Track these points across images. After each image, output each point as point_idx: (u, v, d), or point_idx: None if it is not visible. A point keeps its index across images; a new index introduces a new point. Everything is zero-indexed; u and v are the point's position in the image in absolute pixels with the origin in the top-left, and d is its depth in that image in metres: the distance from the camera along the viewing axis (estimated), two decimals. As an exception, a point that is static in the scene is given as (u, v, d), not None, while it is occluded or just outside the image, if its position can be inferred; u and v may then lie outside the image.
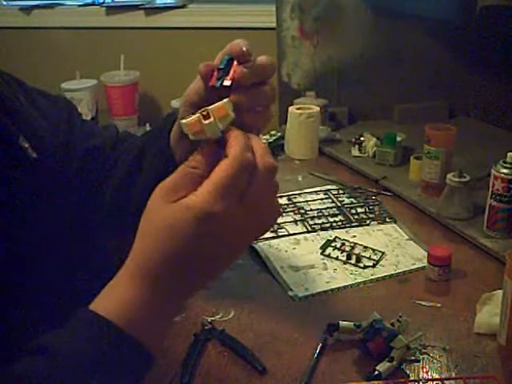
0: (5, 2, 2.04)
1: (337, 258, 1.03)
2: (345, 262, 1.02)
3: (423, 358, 0.78)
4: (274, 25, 1.65)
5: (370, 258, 1.02)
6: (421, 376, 0.75)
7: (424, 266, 0.98)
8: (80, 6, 1.96)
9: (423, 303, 0.90)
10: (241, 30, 1.82)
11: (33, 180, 0.65)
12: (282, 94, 1.68)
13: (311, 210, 1.21)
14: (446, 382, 0.73)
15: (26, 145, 0.64)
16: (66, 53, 1.93)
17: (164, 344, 0.53)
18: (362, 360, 0.78)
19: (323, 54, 1.67)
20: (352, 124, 1.69)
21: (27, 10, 1.96)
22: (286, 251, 1.06)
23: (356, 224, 1.15)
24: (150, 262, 0.49)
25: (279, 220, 1.15)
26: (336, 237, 1.10)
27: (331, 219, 1.17)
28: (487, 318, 0.82)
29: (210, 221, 0.48)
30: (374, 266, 1.00)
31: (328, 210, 1.21)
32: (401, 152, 1.40)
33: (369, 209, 1.21)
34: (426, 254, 0.99)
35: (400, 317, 0.81)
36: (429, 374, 0.75)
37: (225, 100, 0.52)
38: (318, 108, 1.50)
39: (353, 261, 1.02)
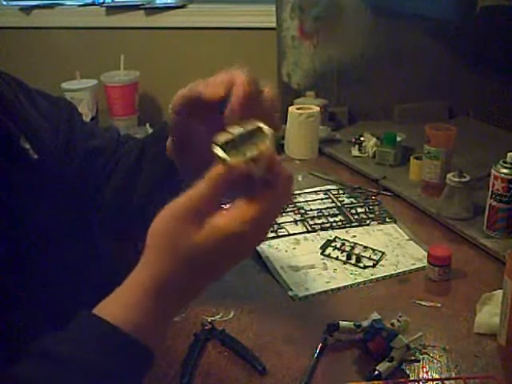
0: (5, 2, 2.04)
1: (337, 258, 1.03)
2: (345, 262, 1.02)
3: (423, 358, 0.78)
4: (274, 25, 1.65)
5: (370, 258, 1.02)
6: (421, 376, 0.75)
7: (424, 266, 0.98)
8: (80, 5, 1.96)
9: (423, 303, 0.90)
10: (241, 30, 1.82)
11: (34, 181, 0.65)
12: (282, 94, 1.68)
13: (311, 210, 1.21)
14: (445, 382, 0.73)
15: (27, 146, 0.65)
16: (66, 53, 1.93)
17: (164, 344, 0.53)
18: (362, 360, 0.78)
19: (323, 54, 1.67)
20: (352, 124, 1.69)
21: (27, 9, 1.96)
22: (286, 251, 1.06)
23: (356, 224, 1.15)
24: (169, 283, 0.49)
25: (279, 220, 1.15)
26: (336, 237, 1.10)
27: (331, 219, 1.17)
28: (487, 318, 0.82)
29: (240, 243, 0.49)
30: (374, 265, 1.00)
31: (328, 209, 1.21)
32: (401, 152, 1.40)
33: (369, 209, 1.21)
34: (425, 254, 0.99)
35: (400, 317, 0.81)
36: (429, 374, 0.75)
37: (269, 137, 0.48)
38: (318, 108, 1.50)
39: (353, 261, 1.02)
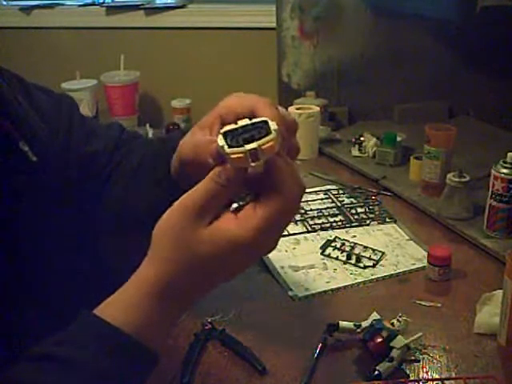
0: (5, 2, 2.04)
1: (337, 258, 1.03)
2: (345, 262, 1.02)
3: (423, 358, 0.78)
4: (274, 25, 1.65)
5: (370, 258, 1.02)
6: (421, 376, 0.75)
7: (424, 266, 0.98)
8: (80, 6, 1.96)
9: (423, 303, 0.90)
10: (241, 30, 1.82)
11: (33, 184, 0.65)
12: (282, 94, 1.68)
13: (311, 209, 1.21)
14: (445, 382, 0.73)
15: (26, 148, 0.64)
16: (66, 53, 1.93)
17: (165, 344, 0.53)
18: (362, 360, 0.78)
19: (323, 54, 1.67)
20: (352, 124, 1.69)
21: (27, 9, 1.96)
22: (286, 251, 1.06)
23: (356, 224, 1.15)
24: (173, 283, 0.49)
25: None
26: (336, 237, 1.10)
27: (331, 219, 1.17)
28: (487, 318, 0.82)
29: (247, 250, 0.48)
30: (374, 265, 1.00)
31: (328, 209, 1.21)
32: (401, 152, 1.40)
33: (369, 209, 1.21)
34: (425, 254, 0.99)
35: (400, 317, 0.81)
36: (429, 374, 0.75)
37: (273, 134, 0.46)
38: (318, 108, 1.49)
39: (353, 261, 1.02)
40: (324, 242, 1.08)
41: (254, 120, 0.48)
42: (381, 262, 1.02)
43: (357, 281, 0.96)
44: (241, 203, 0.50)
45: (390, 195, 1.27)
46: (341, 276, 0.98)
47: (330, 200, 1.26)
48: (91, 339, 0.48)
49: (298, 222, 1.16)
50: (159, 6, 1.90)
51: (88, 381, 0.46)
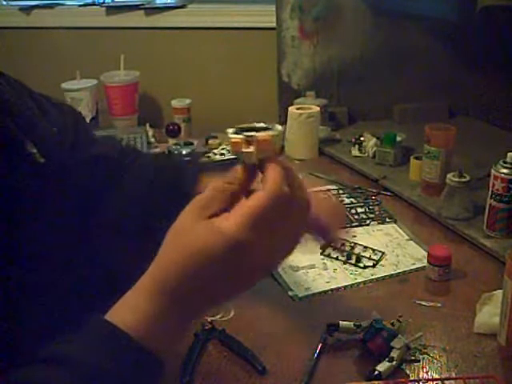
0: (5, 2, 2.04)
1: (337, 258, 1.03)
2: (345, 262, 1.02)
3: (423, 358, 0.78)
4: (274, 25, 1.65)
5: (369, 258, 1.02)
6: (421, 376, 0.75)
7: (424, 266, 0.98)
8: (80, 6, 1.96)
9: (423, 303, 0.90)
10: (241, 30, 1.82)
11: (40, 185, 0.65)
12: (282, 94, 1.68)
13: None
14: (445, 382, 0.73)
15: (34, 150, 0.65)
16: (66, 53, 1.93)
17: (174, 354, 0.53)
18: (362, 360, 0.78)
19: (323, 54, 1.67)
20: (352, 124, 1.69)
21: (27, 9, 1.96)
22: (286, 251, 1.06)
23: (356, 224, 1.15)
24: (171, 279, 0.49)
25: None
26: (336, 237, 1.10)
27: (331, 219, 1.17)
28: (487, 318, 0.82)
29: (239, 249, 0.48)
30: (374, 265, 1.00)
31: (328, 209, 1.21)
32: (401, 152, 1.40)
33: (369, 209, 1.21)
34: (425, 254, 0.99)
35: (400, 317, 0.81)
36: (429, 374, 0.75)
37: (273, 132, 0.51)
38: (318, 108, 1.50)
39: (353, 261, 1.02)
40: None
41: (267, 125, 0.52)
42: (381, 262, 1.02)
43: (357, 281, 0.96)
44: None
45: (390, 195, 1.27)
46: (341, 276, 0.98)
47: (329, 200, 1.26)
48: (100, 343, 0.48)
49: (298, 222, 1.16)
50: (159, 6, 1.90)
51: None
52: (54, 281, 0.65)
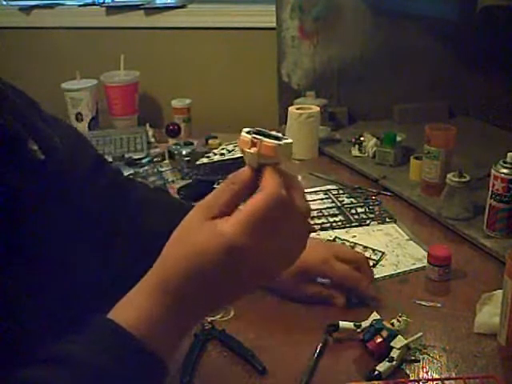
0: (5, 2, 2.04)
1: (337, 258, 1.03)
2: (345, 262, 1.02)
3: (423, 358, 0.78)
4: (274, 25, 1.65)
5: (370, 258, 1.02)
6: (421, 376, 0.75)
7: (424, 266, 0.98)
8: (80, 6, 1.95)
9: (423, 303, 0.90)
10: (241, 30, 1.82)
11: (41, 182, 0.65)
12: (282, 94, 1.68)
13: (311, 209, 1.21)
14: (445, 382, 0.73)
15: (35, 147, 0.65)
16: (65, 53, 1.93)
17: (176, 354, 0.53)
18: (362, 360, 0.78)
19: (323, 54, 1.67)
20: (352, 124, 1.69)
21: (27, 9, 1.96)
22: (286, 251, 1.06)
23: (356, 224, 1.15)
24: (174, 278, 0.49)
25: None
26: (336, 237, 1.10)
27: (331, 219, 1.17)
28: (487, 318, 0.82)
29: (237, 252, 0.48)
30: (374, 266, 1.00)
31: (328, 209, 1.21)
32: (401, 152, 1.40)
33: (369, 209, 1.21)
34: (425, 254, 0.99)
35: (400, 317, 0.81)
36: (429, 373, 0.75)
37: (279, 142, 0.51)
38: (318, 108, 1.50)
39: (353, 261, 1.02)
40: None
41: (282, 136, 0.53)
42: (381, 262, 1.02)
43: (357, 281, 0.96)
44: None
45: (389, 195, 1.27)
46: (341, 276, 0.98)
47: (330, 200, 1.26)
48: (102, 343, 0.48)
49: (298, 222, 1.16)
50: (159, 6, 1.90)
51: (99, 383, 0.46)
52: (55, 279, 0.65)
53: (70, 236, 0.69)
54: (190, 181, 1.37)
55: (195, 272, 0.49)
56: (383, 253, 1.04)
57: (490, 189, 1.02)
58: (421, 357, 0.78)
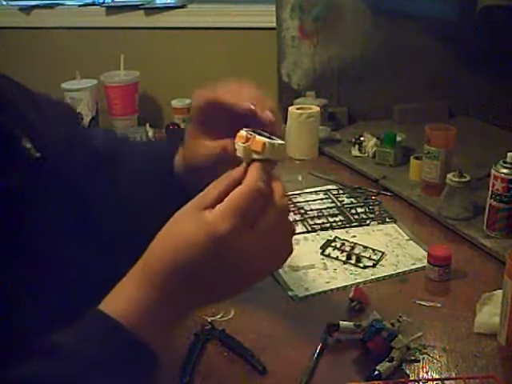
0: (5, 2, 2.04)
1: (337, 258, 1.03)
2: (345, 262, 1.02)
3: (423, 358, 0.78)
4: (274, 25, 1.65)
5: (369, 258, 1.02)
6: (421, 376, 0.75)
7: (424, 266, 0.98)
8: (80, 6, 1.95)
9: (423, 303, 0.90)
10: (241, 30, 1.82)
11: (36, 180, 0.65)
12: (282, 94, 1.68)
13: (311, 210, 1.21)
14: (445, 382, 0.73)
15: (29, 145, 0.64)
16: (66, 53, 1.92)
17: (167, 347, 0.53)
18: (362, 360, 0.78)
19: (323, 54, 1.67)
20: (352, 124, 1.69)
21: (27, 9, 1.96)
22: (286, 251, 1.06)
23: (356, 224, 1.15)
24: (159, 271, 0.50)
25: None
26: (336, 237, 1.10)
27: (331, 219, 1.17)
28: (487, 318, 0.82)
29: (222, 240, 0.49)
30: (374, 265, 1.00)
31: (328, 209, 1.21)
32: (401, 152, 1.40)
33: (369, 209, 1.21)
34: (425, 254, 0.99)
35: (400, 317, 0.81)
36: (429, 374, 0.75)
37: (272, 141, 0.54)
38: (318, 108, 1.50)
39: (353, 261, 1.02)
40: (324, 242, 1.08)
41: (277, 138, 0.56)
42: (381, 262, 1.02)
43: (357, 281, 0.96)
44: None
45: (389, 195, 1.27)
46: (341, 276, 0.98)
47: (330, 200, 1.26)
48: (92, 334, 0.48)
49: (298, 222, 1.16)
50: (159, 6, 1.90)
51: (88, 374, 0.46)
52: (55, 279, 0.65)
53: (69, 234, 0.69)
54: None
55: (182, 262, 0.49)
56: (383, 253, 1.04)
57: (490, 189, 1.02)
58: (421, 357, 0.78)
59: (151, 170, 0.75)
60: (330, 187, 1.33)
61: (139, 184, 0.76)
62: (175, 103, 1.75)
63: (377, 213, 1.20)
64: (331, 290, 0.94)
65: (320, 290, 0.94)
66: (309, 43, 1.65)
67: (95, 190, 0.78)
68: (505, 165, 1.00)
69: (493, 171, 1.02)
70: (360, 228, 1.14)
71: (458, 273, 0.97)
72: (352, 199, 1.26)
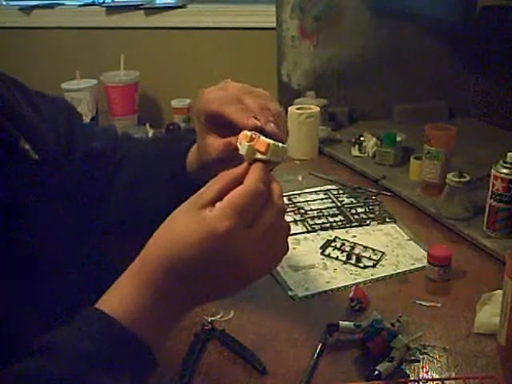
0: (5, 2, 2.04)
1: (337, 258, 1.03)
2: (345, 262, 1.02)
3: (423, 358, 0.78)
4: (273, 25, 1.65)
5: (369, 258, 1.02)
6: (421, 376, 0.75)
7: (424, 266, 0.98)
8: (80, 6, 1.95)
9: (423, 303, 0.90)
10: (241, 30, 1.82)
11: (35, 182, 0.65)
12: (282, 94, 1.68)
13: (311, 209, 1.21)
14: (446, 382, 0.73)
15: (27, 146, 0.64)
16: (65, 53, 1.93)
17: (165, 346, 0.53)
18: (362, 360, 0.78)
19: (323, 54, 1.67)
20: (352, 124, 1.69)
21: (27, 9, 1.96)
22: (286, 251, 1.06)
23: (356, 224, 1.15)
24: (155, 269, 0.50)
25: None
26: (336, 237, 1.10)
27: (331, 219, 1.17)
28: (487, 318, 0.82)
29: (219, 237, 0.49)
30: (374, 265, 1.00)
31: (328, 210, 1.21)
32: (401, 152, 1.40)
33: (369, 209, 1.21)
34: (425, 254, 0.99)
35: (400, 317, 0.81)
36: (429, 374, 0.75)
37: (275, 143, 0.55)
38: (318, 108, 1.50)
39: (353, 261, 1.02)
40: (324, 242, 1.08)
41: (281, 142, 0.57)
42: (381, 262, 1.02)
43: (357, 281, 0.96)
44: None
45: (389, 195, 1.27)
46: (341, 276, 0.98)
47: (330, 200, 1.26)
48: (92, 332, 0.48)
49: (298, 222, 1.16)
50: (159, 6, 1.90)
51: (84, 371, 0.46)
52: (55, 278, 0.65)
53: (68, 235, 0.69)
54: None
55: (179, 260, 0.49)
56: (383, 253, 1.04)
57: (490, 189, 1.02)
58: (421, 357, 0.78)
59: (163, 168, 0.75)
60: (329, 187, 1.33)
61: (149, 183, 0.76)
62: (175, 103, 1.75)
63: (377, 213, 1.20)
64: (331, 289, 0.94)
65: (320, 289, 0.94)
66: (309, 43, 1.65)
67: (94, 190, 0.78)
68: (505, 165, 1.00)
69: (493, 171, 1.01)
70: (360, 228, 1.14)
71: (458, 273, 0.97)
72: (352, 199, 1.26)
